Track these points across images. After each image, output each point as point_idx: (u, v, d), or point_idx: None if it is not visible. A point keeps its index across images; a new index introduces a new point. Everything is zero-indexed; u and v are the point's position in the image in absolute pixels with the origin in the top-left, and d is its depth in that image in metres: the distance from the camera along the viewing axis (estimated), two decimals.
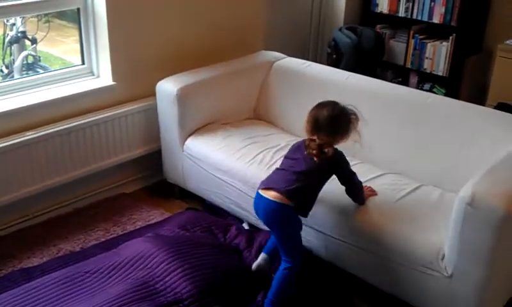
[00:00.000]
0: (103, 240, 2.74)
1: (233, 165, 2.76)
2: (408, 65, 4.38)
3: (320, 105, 2.28)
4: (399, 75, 4.47)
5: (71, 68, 3.08)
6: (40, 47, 3.57)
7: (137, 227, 2.87)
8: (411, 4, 4.24)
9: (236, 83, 3.20)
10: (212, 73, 3.12)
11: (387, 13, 4.40)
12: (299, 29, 4.49)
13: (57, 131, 2.80)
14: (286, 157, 2.33)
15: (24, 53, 3.38)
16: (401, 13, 4.32)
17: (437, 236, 2.16)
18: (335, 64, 4.31)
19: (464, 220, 1.99)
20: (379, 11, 4.44)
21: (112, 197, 3.15)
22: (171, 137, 3.03)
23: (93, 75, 3.09)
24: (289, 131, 3.14)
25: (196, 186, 3.02)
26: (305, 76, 3.22)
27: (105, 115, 2.99)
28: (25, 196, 2.74)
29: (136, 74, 3.10)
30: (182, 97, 2.91)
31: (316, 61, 4.40)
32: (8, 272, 2.46)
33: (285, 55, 3.46)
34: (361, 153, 2.61)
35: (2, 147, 2.62)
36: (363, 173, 2.50)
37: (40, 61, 3.48)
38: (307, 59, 4.23)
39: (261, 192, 2.23)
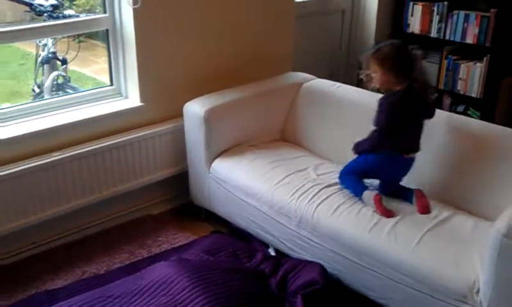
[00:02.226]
0: (127, 262, 2.71)
1: (259, 188, 2.71)
2: (441, 86, 4.27)
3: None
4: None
5: (99, 89, 3.09)
6: (72, 66, 3.61)
7: (163, 249, 2.84)
8: (443, 24, 4.15)
9: (264, 104, 3.17)
10: (240, 94, 3.09)
11: (419, 33, 4.32)
12: (329, 50, 4.44)
13: (84, 152, 2.80)
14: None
15: (54, 73, 3.42)
16: (433, 34, 4.24)
17: (472, 269, 2.06)
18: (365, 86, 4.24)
19: (500, 253, 1.89)
20: (410, 32, 4.36)
21: (138, 219, 3.13)
22: (198, 159, 3.01)
23: (122, 96, 3.10)
24: (317, 153, 3.09)
25: (222, 209, 2.98)
26: (334, 97, 3.16)
27: (133, 136, 2.98)
28: (50, 217, 2.74)
29: (163, 95, 3.09)
30: (209, 119, 2.89)
31: (345, 82, 4.38)
32: (32, 293, 2.46)
33: (314, 77, 3.42)
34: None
35: (31, 167, 2.63)
36: None
37: (69, 81, 3.52)
38: (336, 81, 4.20)
39: (407, 156, 2.48)
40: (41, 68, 3.52)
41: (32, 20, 3.27)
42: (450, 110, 4.25)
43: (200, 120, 2.89)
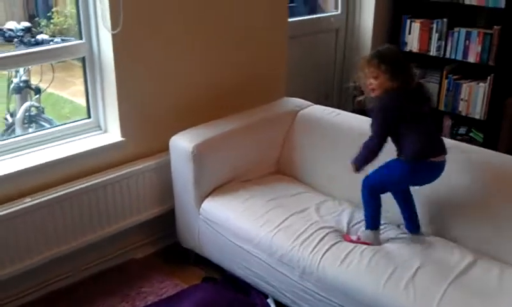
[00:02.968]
0: None
1: (256, 233, 2.43)
2: (441, 108, 4.04)
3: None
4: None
5: (76, 123, 2.79)
6: (48, 89, 3.28)
7: (148, 302, 2.54)
8: (443, 42, 3.93)
9: (257, 135, 2.89)
10: (231, 125, 2.81)
11: (417, 51, 4.09)
12: (323, 71, 4.20)
13: (59, 196, 2.50)
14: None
15: (26, 104, 3.11)
16: (433, 52, 4.02)
17: None
18: (362, 108, 4.00)
19: None
20: (408, 50, 4.13)
21: (120, 265, 2.83)
22: (187, 198, 2.72)
23: (101, 129, 2.81)
24: (316, 188, 2.81)
25: (214, 254, 2.69)
26: (333, 126, 2.90)
27: (113, 175, 2.68)
28: (19, 271, 2.43)
29: (147, 128, 2.80)
30: (198, 154, 2.60)
31: (340, 104, 4.14)
32: None
33: (310, 103, 3.16)
34: None
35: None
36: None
37: (43, 112, 3.20)
38: (331, 102, 3.96)
39: (435, 159, 2.26)
40: (13, 95, 3.20)
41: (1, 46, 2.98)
42: (451, 133, 4.03)
43: (188, 156, 2.61)
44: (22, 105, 3.13)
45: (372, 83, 2.25)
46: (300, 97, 3.22)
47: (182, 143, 2.65)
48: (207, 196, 2.68)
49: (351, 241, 2.30)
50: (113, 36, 2.56)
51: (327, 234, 2.34)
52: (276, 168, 3.02)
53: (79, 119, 2.81)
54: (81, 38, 2.66)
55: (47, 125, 3.07)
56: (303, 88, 3.71)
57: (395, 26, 4.18)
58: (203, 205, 2.66)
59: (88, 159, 2.64)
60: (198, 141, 2.63)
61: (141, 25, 2.64)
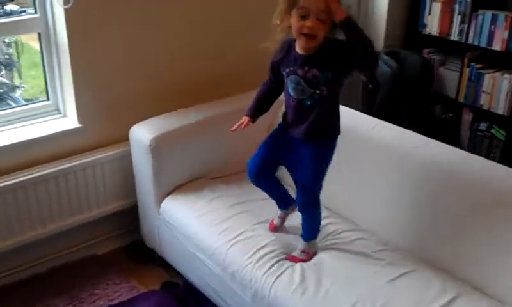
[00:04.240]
0: None
1: (212, 242, 2.14)
2: (461, 99, 3.60)
3: None
4: (450, 110, 3.70)
5: (34, 105, 2.55)
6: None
7: None
8: (466, 25, 3.47)
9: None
10: (201, 115, 2.50)
11: (437, 35, 3.64)
12: None
13: (10, 185, 2.29)
14: None
15: None
16: (454, 37, 3.55)
17: None
18: (371, 96, 3.62)
19: None
20: (427, 33, 3.69)
21: (79, 261, 2.61)
22: (147, 195, 2.46)
23: (60, 113, 2.56)
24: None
25: (173, 258, 2.43)
26: None
27: (71, 164, 2.45)
28: None
29: (108, 115, 2.54)
30: (157, 148, 2.33)
31: (351, 92, 3.75)
32: None
33: None
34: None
35: None
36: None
37: (13, 91, 2.97)
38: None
39: None
40: None
41: None
42: (471, 128, 3.60)
43: (146, 149, 2.33)
44: None
45: (315, 27, 1.73)
46: None
47: (141, 134, 2.38)
48: (168, 194, 2.41)
49: (299, 260, 1.99)
50: (66, 11, 2.28)
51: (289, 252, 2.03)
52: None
53: (38, 101, 2.57)
54: (36, 12, 2.39)
55: (13, 105, 2.85)
56: None
57: (414, 5, 3.73)
58: (162, 204, 2.39)
59: (43, 145, 2.42)
60: (158, 133, 2.34)
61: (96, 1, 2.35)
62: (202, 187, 2.43)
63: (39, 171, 2.37)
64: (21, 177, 2.33)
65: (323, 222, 2.14)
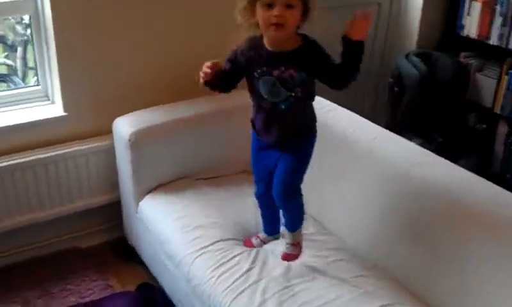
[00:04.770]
0: None
1: (180, 251, 1.98)
2: (497, 110, 3.26)
3: None
4: (484, 120, 3.37)
5: (25, 90, 2.48)
6: None
7: (66, 304, 2.21)
8: (507, 29, 3.13)
9: (222, 125, 2.39)
10: (189, 111, 2.35)
11: (475, 38, 3.31)
12: None
13: None
14: None
15: None
16: (494, 41, 3.21)
17: None
18: (397, 99, 3.34)
19: None
20: (465, 35, 3.36)
21: (59, 253, 2.52)
22: (127, 191, 2.33)
23: (48, 100, 2.47)
24: None
25: (148, 260, 2.30)
26: (322, 125, 2.32)
27: (54, 153, 2.36)
28: None
29: (94, 105, 2.42)
30: (137, 143, 2.19)
31: (377, 94, 3.50)
32: None
33: None
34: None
35: None
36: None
37: (16, 74, 2.92)
38: (361, 98, 3.33)
39: None
40: None
41: None
42: (505, 143, 3.26)
43: (126, 143, 2.20)
44: None
45: (283, 14, 1.54)
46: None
47: (122, 127, 2.25)
48: (148, 192, 2.27)
49: (294, 257, 1.86)
50: None
51: (256, 267, 1.85)
52: (246, 167, 2.52)
53: (28, 86, 2.50)
54: None
55: (11, 87, 2.80)
56: None
57: (452, 4, 3.41)
58: (141, 203, 2.26)
59: (26, 132, 2.34)
60: (139, 127, 2.21)
61: None
62: (185, 187, 2.28)
63: (19, 158, 2.30)
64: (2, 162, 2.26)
65: (307, 232, 1.95)
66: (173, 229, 2.07)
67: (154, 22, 2.44)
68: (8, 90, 2.50)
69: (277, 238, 1.98)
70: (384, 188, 1.97)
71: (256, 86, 1.70)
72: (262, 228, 2.00)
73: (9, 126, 2.30)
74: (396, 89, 3.34)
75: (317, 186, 2.14)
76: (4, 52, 2.99)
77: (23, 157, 2.30)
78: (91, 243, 2.61)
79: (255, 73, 1.68)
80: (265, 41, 1.66)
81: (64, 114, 2.37)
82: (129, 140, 2.18)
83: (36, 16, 2.32)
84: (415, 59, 3.26)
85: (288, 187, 1.80)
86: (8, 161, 2.27)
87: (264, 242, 1.97)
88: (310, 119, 1.79)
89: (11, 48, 3.04)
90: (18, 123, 2.32)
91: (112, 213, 2.57)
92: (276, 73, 1.64)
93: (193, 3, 2.49)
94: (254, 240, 1.98)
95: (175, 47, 2.51)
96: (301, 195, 1.83)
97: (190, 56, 2.47)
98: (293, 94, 1.66)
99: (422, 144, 3.19)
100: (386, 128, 2.29)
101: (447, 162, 1.96)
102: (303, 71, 1.63)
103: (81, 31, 2.29)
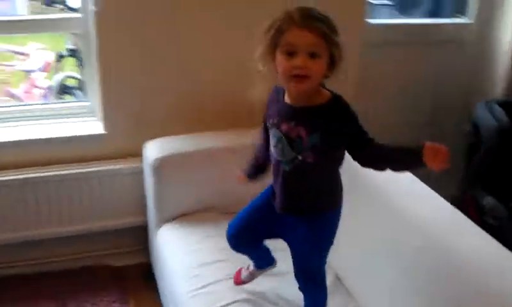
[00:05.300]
0: None
1: (179, 288, 1.89)
2: None
3: None
4: None
5: (73, 104, 2.57)
6: None
7: None
8: None
9: None
10: (220, 141, 2.27)
11: None
12: (427, 98, 3.09)
13: (24, 179, 2.30)
14: None
15: (61, 75, 2.98)
16: None
17: None
18: (474, 149, 3.00)
19: None
20: None
21: (89, 268, 2.54)
22: (151, 216, 2.30)
23: (95, 117, 2.52)
24: None
25: (161, 290, 2.22)
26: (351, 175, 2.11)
27: (91, 170, 2.39)
28: None
29: (133, 126, 2.41)
30: (160, 170, 2.16)
31: (449, 142, 3.17)
32: None
33: None
34: None
35: None
36: None
37: (81, 88, 3.04)
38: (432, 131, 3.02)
39: None
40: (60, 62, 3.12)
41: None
42: None
43: (150, 168, 2.17)
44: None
45: (306, 65, 1.34)
46: (380, 128, 2.44)
47: (149, 152, 2.23)
48: (169, 220, 2.21)
49: None
50: (97, 16, 2.23)
51: None
52: None
53: (78, 101, 2.58)
54: (79, 12, 2.38)
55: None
56: (388, 116, 2.89)
57: None
58: (160, 230, 2.21)
59: (64, 146, 2.40)
60: (163, 153, 2.17)
61: (130, 5, 2.25)
62: (205, 220, 2.19)
63: (56, 171, 2.35)
64: (34, 173, 2.32)
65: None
66: (179, 264, 1.99)
67: (199, 50, 2.39)
68: (59, 103, 2.58)
69: (271, 269, 1.81)
70: (407, 250, 1.73)
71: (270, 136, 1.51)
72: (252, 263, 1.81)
73: (52, 138, 2.37)
74: (471, 139, 3.01)
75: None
76: (76, 65, 3.12)
77: (60, 170, 2.35)
78: (124, 263, 2.59)
79: (268, 124, 1.50)
80: (286, 93, 1.46)
81: (103, 132, 2.40)
82: (152, 165, 2.15)
83: (87, 35, 2.38)
84: (497, 108, 2.91)
85: (306, 270, 1.59)
86: (44, 172, 2.33)
87: (253, 276, 1.80)
88: (328, 191, 1.52)
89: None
90: (59, 136, 2.39)
91: (144, 236, 2.54)
92: (284, 127, 1.42)
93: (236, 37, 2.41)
94: (243, 274, 1.80)
95: (216, 76, 2.44)
96: (322, 279, 1.62)
97: (231, 86, 2.41)
98: (299, 157, 1.42)
99: (493, 206, 2.84)
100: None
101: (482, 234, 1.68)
102: (317, 134, 1.38)
103: (125, 53, 2.31)
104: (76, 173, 2.37)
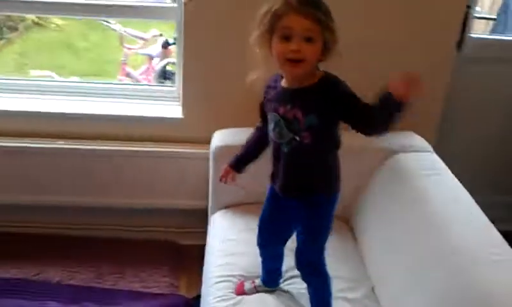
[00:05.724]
0: (74, 283, 2.38)
1: (209, 273, 1.97)
2: None
3: None
4: None
5: (162, 87, 2.74)
6: None
7: (116, 286, 2.40)
8: None
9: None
10: None
11: None
12: None
13: (107, 151, 2.52)
14: None
15: (165, 61, 3.20)
16: None
17: None
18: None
19: None
20: None
21: (157, 242, 2.69)
22: (210, 201, 2.39)
23: (178, 101, 2.67)
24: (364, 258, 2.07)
25: None
26: (419, 190, 2.02)
27: (165, 150, 2.54)
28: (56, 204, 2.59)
29: (210, 114, 2.51)
30: (219, 158, 2.22)
31: None
32: None
33: (429, 149, 2.28)
34: None
35: (40, 147, 2.49)
36: None
37: None
38: None
39: None
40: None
41: None
42: None
43: (211, 156, 2.27)
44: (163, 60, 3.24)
45: (301, 48, 1.39)
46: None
47: (214, 140, 2.32)
48: (222, 208, 2.29)
49: None
50: (184, 4, 2.36)
51: None
52: (342, 212, 2.33)
53: (165, 85, 2.75)
54: (174, 1, 2.53)
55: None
56: (477, 134, 2.68)
57: None
58: (212, 216, 2.30)
59: (146, 125, 2.58)
60: (224, 143, 2.24)
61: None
62: (252, 213, 2.20)
63: (137, 147, 2.54)
64: (117, 147, 2.53)
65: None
66: (215, 249, 2.07)
67: None
68: (150, 85, 2.78)
69: (273, 291, 1.81)
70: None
71: (268, 122, 1.59)
72: (260, 275, 1.83)
73: (134, 117, 2.56)
74: None
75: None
76: None
77: (138, 147, 2.54)
78: (185, 242, 2.72)
79: (266, 109, 1.59)
80: (283, 77, 1.53)
81: (181, 116, 2.54)
82: (213, 153, 2.24)
83: (178, 23, 2.53)
84: None
85: (306, 263, 1.67)
86: (126, 147, 2.53)
87: (256, 290, 1.81)
88: (325, 173, 1.57)
89: None
90: (142, 115, 2.56)
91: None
92: (281, 110, 1.50)
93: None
94: (246, 286, 1.83)
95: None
96: (322, 273, 1.67)
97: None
98: (297, 138, 1.48)
99: None
100: None
101: None
102: (313, 114, 1.44)
103: (208, 44, 2.41)
104: (152, 151, 2.53)
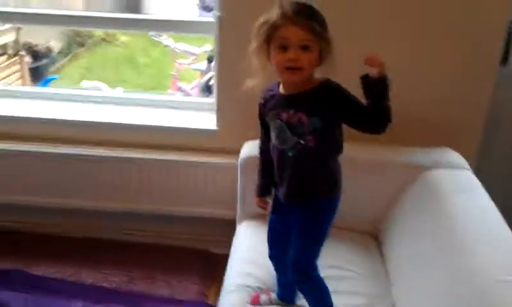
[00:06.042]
0: (106, 286, 2.46)
1: (229, 279, 1.97)
2: None
3: None
4: None
5: (203, 100, 2.81)
6: None
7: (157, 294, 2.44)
8: None
9: (356, 178, 2.10)
10: None
11: None
12: None
13: (141, 159, 2.62)
14: None
15: (208, 75, 3.29)
16: None
17: None
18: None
19: None
20: None
21: (189, 250, 2.74)
22: (238, 211, 2.41)
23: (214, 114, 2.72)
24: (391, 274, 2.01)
25: None
26: (449, 205, 1.94)
27: (199, 159, 2.60)
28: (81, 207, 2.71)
29: (243, 127, 2.53)
30: (245, 169, 2.26)
31: None
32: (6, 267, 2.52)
33: (465, 166, 2.18)
34: None
35: (75, 154, 2.62)
36: None
37: None
38: None
39: None
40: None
41: None
42: None
43: (239, 166, 2.29)
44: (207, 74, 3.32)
45: (299, 57, 1.44)
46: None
47: (243, 150, 2.34)
48: (249, 218, 2.31)
49: None
50: (219, 18, 2.41)
51: None
52: (372, 228, 2.28)
53: (206, 97, 2.81)
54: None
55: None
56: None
57: None
58: (240, 225, 2.32)
59: (181, 135, 2.65)
60: (252, 154, 2.25)
61: (251, 14, 2.37)
62: None
63: (170, 156, 2.62)
64: (152, 155, 2.62)
65: None
66: (237, 257, 2.09)
67: None
68: (189, 97, 2.85)
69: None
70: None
71: (270, 130, 1.61)
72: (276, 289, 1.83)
73: (170, 127, 2.64)
74: None
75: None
76: None
77: (172, 156, 2.61)
78: (218, 251, 2.75)
79: (267, 118, 1.62)
80: (281, 85, 1.57)
81: (215, 128, 2.58)
82: (240, 164, 2.26)
83: (216, 38, 2.58)
84: None
85: (301, 273, 1.65)
86: (160, 156, 2.61)
87: (272, 303, 1.79)
88: (327, 177, 1.59)
89: None
90: (177, 125, 2.64)
91: None
92: (284, 116, 1.53)
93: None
94: (262, 298, 1.82)
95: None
96: (316, 274, 1.65)
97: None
98: (302, 141, 1.50)
99: None
100: None
101: None
102: (317, 117, 1.47)
103: (241, 59, 2.44)
104: (186, 161, 2.59)
